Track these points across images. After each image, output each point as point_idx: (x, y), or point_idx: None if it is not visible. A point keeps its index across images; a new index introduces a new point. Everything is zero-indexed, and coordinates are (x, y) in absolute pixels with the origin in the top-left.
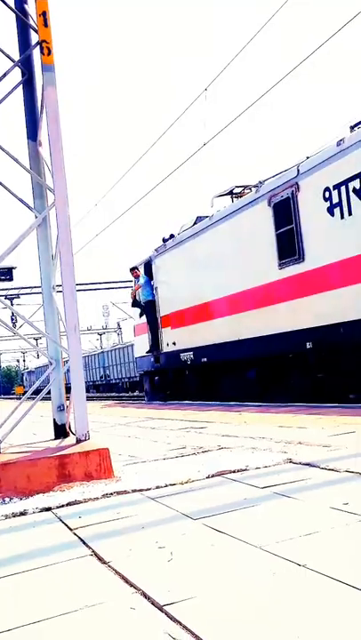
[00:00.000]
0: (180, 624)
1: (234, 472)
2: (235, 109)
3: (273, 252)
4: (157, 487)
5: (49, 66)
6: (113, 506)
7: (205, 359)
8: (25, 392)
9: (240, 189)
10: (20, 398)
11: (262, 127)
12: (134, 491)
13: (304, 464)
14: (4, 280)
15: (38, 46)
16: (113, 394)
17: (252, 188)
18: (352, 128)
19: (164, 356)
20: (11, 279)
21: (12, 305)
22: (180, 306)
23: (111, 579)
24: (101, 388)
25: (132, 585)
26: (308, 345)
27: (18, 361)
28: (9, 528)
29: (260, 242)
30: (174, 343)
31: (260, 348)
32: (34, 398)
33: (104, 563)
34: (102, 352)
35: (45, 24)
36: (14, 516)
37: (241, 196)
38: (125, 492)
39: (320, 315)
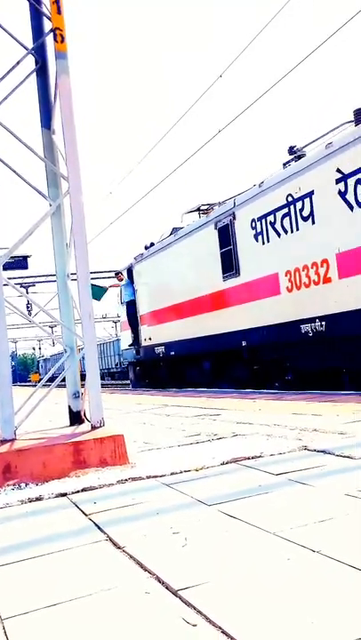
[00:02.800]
0: (195, 608)
1: (248, 459)
2: (248, 96)
3: (218, 267)
4: (172, 473)
5: (62, 53)
6: (128, 492)
7: (173, 352)
8: (40, 379)
9: (206, 207)
10: (35, 386)
11: (274, 115)
12: (149, 477)
13: (319, 451)
14: (19, 268)
15: (51, 34)
16: (127, 381)
17: (216, 206)
18: (284, 165)
19: (143, 350)
20: (26, 267)
21: (27, 293)
22: (154, 307)
23: (126, 563)
24: (117, 376)
25: (146, 570)
26: (244, 343)
27: (34, 349)
28: (25, 513)
29: (210, 257)
30: (150, 338)
31: (211, 344)
32: (49, 386)
33: (119, 548)
34: (117, 339)
35: (59, 11)
36: (30, 501)
37: (207, 213)
38: (140, 479)
39: (250, 319)
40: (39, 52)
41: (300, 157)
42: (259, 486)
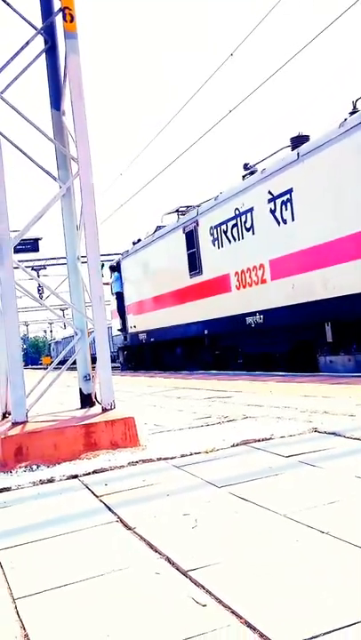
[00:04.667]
0: (204, 589)
1: (259, 441)
2: (259, 76)
3: (186, 265)
4: (183, 455)
5: (72, 33)
6: (138, 473)
7: (153, 339)
8: (51, 362)
9: (184, 209)
10: (47, 369)
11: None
12: (160, 459)
13: (329, 433)
14: (29, 251)
15: (61, 13)
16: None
17: (191, 209)
18: (243, 177)
19: (130, 336)
20: (36, 250)
21: (38, 276)
22: (138, 298)
23: (136, 544)
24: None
25: (156, 550)
26: (206, 332)
27: (45, 332)
28: (37, 495)
29: (180, 257)
30: (135, 326)
31: (182, 332)
32: (60, 368)
33: (129, 529)
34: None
35: None
36: (42, 483)
37: (184, 214)
38: (151, 461)
39: (210, 311)
40: (48, 32)
41: (252, 173)
42: (269, 468)
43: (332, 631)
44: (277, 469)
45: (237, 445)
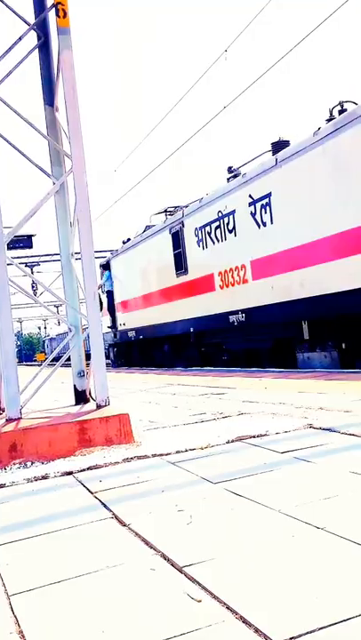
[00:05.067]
0: (200, 584)
1: (254, 437)
2: (253, 73)
3: (172, 265)
4: (177, 452)
5: (65, 29)
6: (133, 470)
7: (142, 336)
8: (46, 359)
9: (172, 209)
10: (41, 365)
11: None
12: (154, 455)
13: (324, 429)
14: (23, 247)
15: (53, 9)
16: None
17: (179, 209)
18: (228, 180)
19: (119, 333)
20: (30, 247)
21: (32, 273)
22: (127, 296)
23: (131, 541)
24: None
25: (151, 547)
26: (191, 329)
27: (39, 328)
28: (31, 491)
29: (167, 257)
30: (124, 324)
31: (169, 329)
32: (54, 365)
33: (124, 525)
34: None
35: None
36: (36, 479)
37: (172, 214)
38: (146, 457)
39: (196, 309)
40: (41, 28)
41: (236, 176)
42: (264, 464)
43: (328, 626)
44: (272, 465)
45: (232, 442)
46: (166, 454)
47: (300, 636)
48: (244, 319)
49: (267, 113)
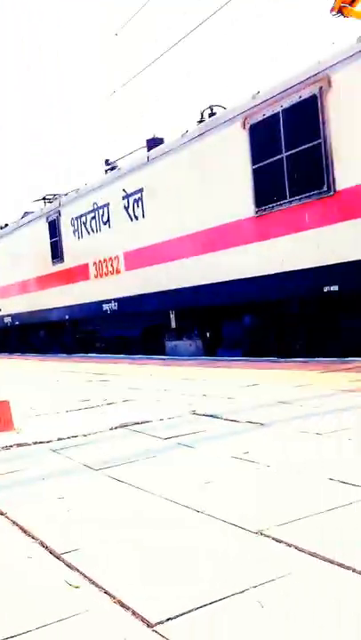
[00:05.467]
0: (78, 571)
1: (138, 424)
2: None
3: (49, 253)
4: (59, 439)
5: None
6: (13, 458)
7: (18, 322)
8: None
9: (51, 197)
10: None
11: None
12: (35, 443)
13: (208, 415)
14: None
15: None
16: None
17: (58, 197)
18: (106, 172)
19: None
20: None
21: None
22: (4, 282)
23: (8, 529)
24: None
25: (29, 535)
26: (67, 316)
27: None
28: None
29: (43, 245)
30: (1, 309)
31: (45, 316)
32: None
33: (2, 514)
34: None
35: None
36: None
37: (52, 202)
38: (26, 444)
39: (72, 297)
40: None
41: (113, 169)
42: (146, 450)
43: (202, 606)
44: (155, 451)
45: (116, 428)
46: (48, 441)
47: (177, 617)
48: (116, 308)
49: (151, 104)
